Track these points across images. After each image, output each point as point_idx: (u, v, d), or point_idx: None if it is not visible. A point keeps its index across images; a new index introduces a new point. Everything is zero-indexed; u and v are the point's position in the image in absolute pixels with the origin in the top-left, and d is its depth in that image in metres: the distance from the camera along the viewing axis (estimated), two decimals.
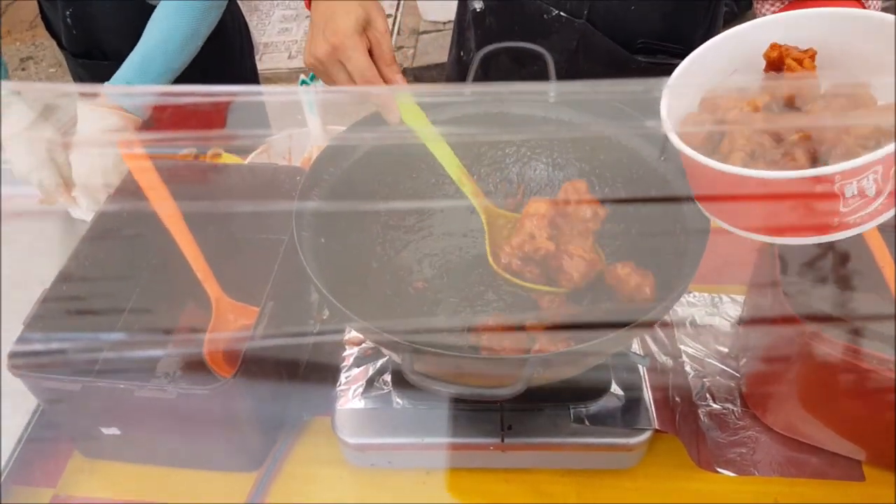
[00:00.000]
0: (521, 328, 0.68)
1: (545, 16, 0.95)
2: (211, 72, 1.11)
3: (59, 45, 1.21)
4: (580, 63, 0.98)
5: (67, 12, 1.12)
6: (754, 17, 0.71)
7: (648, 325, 0.69)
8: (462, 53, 1.11)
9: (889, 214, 0.55)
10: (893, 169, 0.51)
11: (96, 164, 0.91)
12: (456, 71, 1.13)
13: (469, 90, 0.79)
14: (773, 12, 0.78)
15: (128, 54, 0.99)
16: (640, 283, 0.69)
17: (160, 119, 1.01)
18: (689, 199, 0.68)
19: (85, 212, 0.96)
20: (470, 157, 0.85)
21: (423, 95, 0.71)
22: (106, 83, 0.97)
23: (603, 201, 0.81)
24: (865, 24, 0.59)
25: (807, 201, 0.53)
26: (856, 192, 0.51)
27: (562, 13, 0.93)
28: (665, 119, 0.59)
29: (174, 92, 0.99)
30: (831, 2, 0.68)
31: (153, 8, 1.03)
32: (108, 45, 1.15)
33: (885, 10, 0.63)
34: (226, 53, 1.19)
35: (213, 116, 1.13)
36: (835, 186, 0.51)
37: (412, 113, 0.71)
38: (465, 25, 1.07)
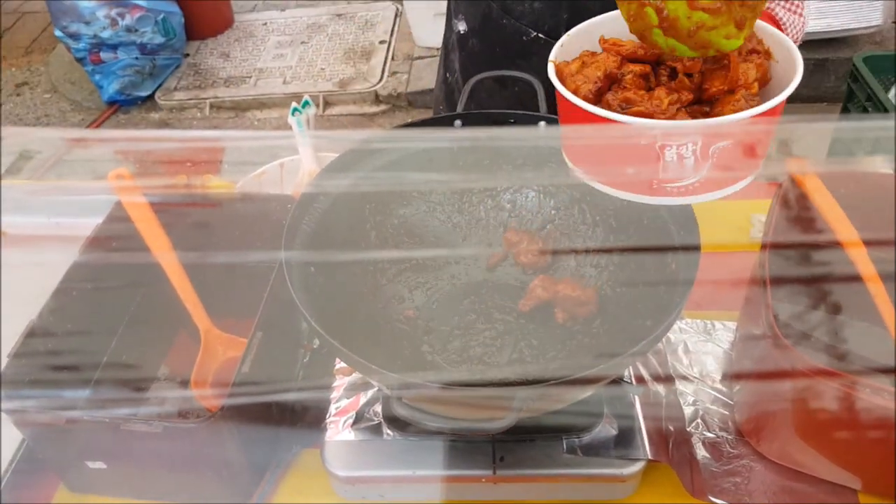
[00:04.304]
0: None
1: (524, 37, 0.95)
2: None
3: None
4: None
5: None
6: None
7: (640, 354, 0.68)
8: (448, 75, 1.12)
9: (705, 197, 0.57)
10: (712, 149, 0.53)
11: None
12: (442, 91, 1.14)
13: (462, 134, 0.79)
14: None
15: None
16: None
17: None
18: (681, 224, 0.68)
19: None
20: (461, 183, 0.85)
21: (414, 140, 0.71)
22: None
23: (594, 228, 0.82)
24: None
25: (630, 153, 0.54)
26: (675, 158, 0.53)
27: (540, 34, 0.94)
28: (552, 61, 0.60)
29: (165, 138, 0.99)
30: None
31: None
32: None
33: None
34: None
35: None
36: (656, 145, 0.52)
37: None
38: (451, 47, 1.08)
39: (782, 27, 0.78)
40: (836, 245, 0.67)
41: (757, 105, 0.53)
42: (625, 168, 0.56)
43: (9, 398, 0.65)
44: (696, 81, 0.57)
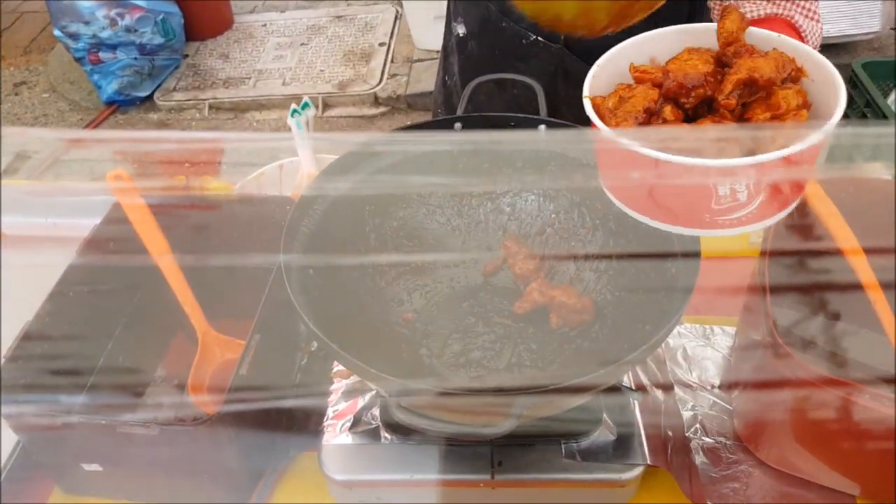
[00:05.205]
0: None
1: (523, 41, 0.95)
2: None
3: None
4: (559, 87, 0.99)
5: None
6: None
7: (639, 359, 0.68)
8: (447, 77, 1.12)
9: (757, 225, 0.56)
10: (765, 182, 0.53)
11: None
12: (441, 94, 1.14)
13: (462, 137, 0.79)
14: None
15: None
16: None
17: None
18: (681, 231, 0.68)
19: None
20: (461, 186, 0.85)
21: (417, 143, 0.71)
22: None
23: (593, 233, 0.82)
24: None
25: (683, 191, 0.53)
26: (728, 193, 0.52)
27: (539, 38, 0.94)
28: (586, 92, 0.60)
29: (163, 139, 0.99)
30: (770, 25, 0.68)
31: None
32: None
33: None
34: None
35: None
36: (709, 182, 0.52)
37: None
38: (450, 51, 1.08)
39: (802, 35, 0.77)
40: (835, 252, 0.67)
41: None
42: (676, 204, 0.55)
43: (4, 401, 0.64)
44: (736, 115, 0.56)
